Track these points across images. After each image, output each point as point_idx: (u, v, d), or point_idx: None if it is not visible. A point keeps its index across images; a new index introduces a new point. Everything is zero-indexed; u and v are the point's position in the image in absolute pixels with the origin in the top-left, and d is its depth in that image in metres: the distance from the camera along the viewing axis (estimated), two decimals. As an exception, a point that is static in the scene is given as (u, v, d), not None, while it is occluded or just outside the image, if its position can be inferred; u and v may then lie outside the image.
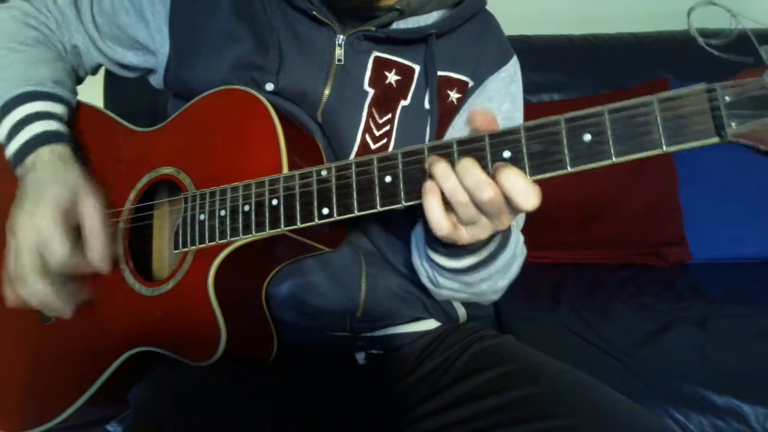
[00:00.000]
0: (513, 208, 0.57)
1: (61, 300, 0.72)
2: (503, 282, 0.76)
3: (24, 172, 0.75)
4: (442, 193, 0.57)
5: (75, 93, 0.88)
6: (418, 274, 0.80)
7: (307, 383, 0.81)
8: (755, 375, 1.14)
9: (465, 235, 0.60)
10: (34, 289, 0.70)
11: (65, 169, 0.75)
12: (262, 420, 0.69)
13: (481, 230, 0.60)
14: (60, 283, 0.71)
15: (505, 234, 0.69)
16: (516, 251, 0.74)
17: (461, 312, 0.90)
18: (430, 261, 0.73)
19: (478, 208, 0.57)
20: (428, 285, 0.80)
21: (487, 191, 0.55)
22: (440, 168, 0.57)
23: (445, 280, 0.74)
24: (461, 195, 0.56)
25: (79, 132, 0.86)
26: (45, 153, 0.76)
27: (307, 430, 0.76)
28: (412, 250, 0.80)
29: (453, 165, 0.57)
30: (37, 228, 0.69)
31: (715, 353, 1.19)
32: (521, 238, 0.78)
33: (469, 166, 0.56)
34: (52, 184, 0.72)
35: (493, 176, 0.56)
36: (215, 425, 0.65)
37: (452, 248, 0.67)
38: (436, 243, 0.69)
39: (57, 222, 0.70)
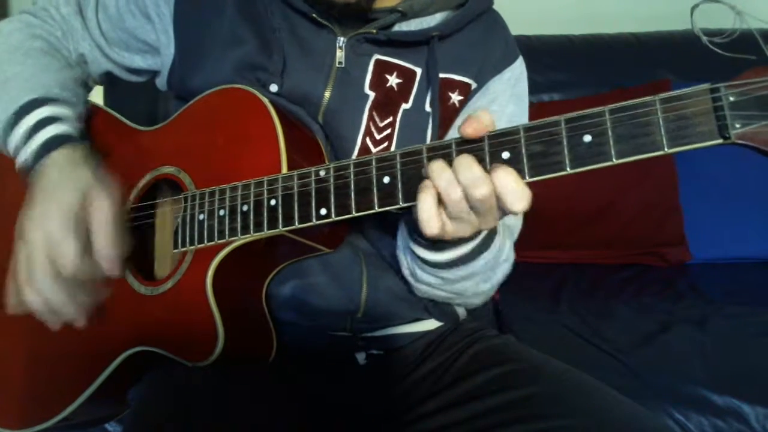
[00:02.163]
0: (502, 208, 0.57)
1: (72, 306, 0.69)
2: (485, 285, 0.76)
3: (33, 177, 0.74)
4: (438, 192, 0.57)
5: (84, 99, 0.87)
6: (400, 266, 0.79)
7: (307, 383, 0.81)
8: (755, 375, 1.14)
9: (450, 230, 0.60)
10: (44, 296, 0.68)
11: (75, 170, 0.73)
12: (262, 420, 0.69)
13: (467, 226, 0.60)
14: (72, 289, 0.69)
15: (489, 234, 0.69)
16: (501, 255, 0.74)
17: (461, 311, 0.90)
18: (412, 253, 0.73)
19: (470, 205, 0.57)
20: (408, 278, 0.79)
21: (481, 188, 0.55)
22: (435, 165, 0.57)
23: (424, 273, 0.74)
24: (455, 191, 0.56)
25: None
26: (55, 157, 0.74)
27: (307, 430, 0.76)
28: (397, 242, 0.79)
29: (451, 164, 0.57)
30: (47, 232, 0.67)
31: (715, 353, 1.19)
32: (509, 243, 0.78)
33: (466, 162, 0.56)
34: (61, 187, 0.70)
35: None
36: (215, 425, 0.65)
37: (434, 241, 0.67)
38: (419, 235, 0.68)
39: (66, 225, 0.67)
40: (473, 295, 0.79)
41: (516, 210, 0.55)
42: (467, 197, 0.56)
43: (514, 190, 0.54)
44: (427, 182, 0.58)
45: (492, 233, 0.69)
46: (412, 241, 0.71)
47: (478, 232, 0.66)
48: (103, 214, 0.69)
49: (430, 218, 0.57)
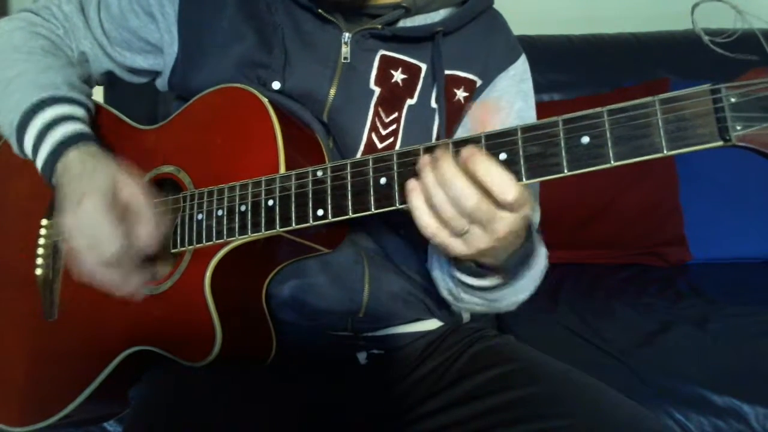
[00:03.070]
0: (499, 206, 0.55)
1: (131, 283, 0.70)
2: (524, 295, 0.75)
3: (57, 179, 0.74)
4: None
5: (90, 97, 0.86)
6: (437, 287, 0.80)
7: (307, 383, 0.81)
8: (755, 375, 1.14)
9: (460, 247, 0.58)
10: (105, 281, 0.69)
11: (97, 163, 0.73)
12: (262, 420, 0.68)
13: (478, 241, 0.58)
14: (127, 266, 0.69)
15: (529, 251, 0.68)
16: (541, 266, 0.73)
17: (465, 314, 0.90)
18: (454, 278, 0.72)
19: (458, 210, 0.56)
20: (448, 298, 0.79)
21: (471, 199, 0.54)
22: (429, 179, 0.56)
23: (468, 296, 0.74)
24: (448, 209, 0.55)
25: None
26: (73, 155, 0.74)
27: (307, 429, 0.76)
28: (432, 262, 0.79)
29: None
30: (86, 229, 0.68)
31: (715, 353, 1.19)
32: (544, 250, 0.76)
33: (450, 177, 0.55)
34: (89, 178, 0.70)
35: (466, 168, 0.55)
36: (215, 425, 0.65)
37: (477, 267, 0.67)
38: (461, 261, 0.67)
39: (103, 217, 0.67)
40: (511, 305, 0.78)
41: (507, 198, 0.54)
42: (459, 211, 0.55)
43: (499, 180, 0.54)
44: (414, 183, 0.57)
45: (531, 249, 0.68)
46: (455, 269, 0.70)
47: (517, 251, 0.65)
48: (137, 196, 0.70)
49: (426, 222, 0.57)
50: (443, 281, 0.78)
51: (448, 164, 0.55)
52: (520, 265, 0.67)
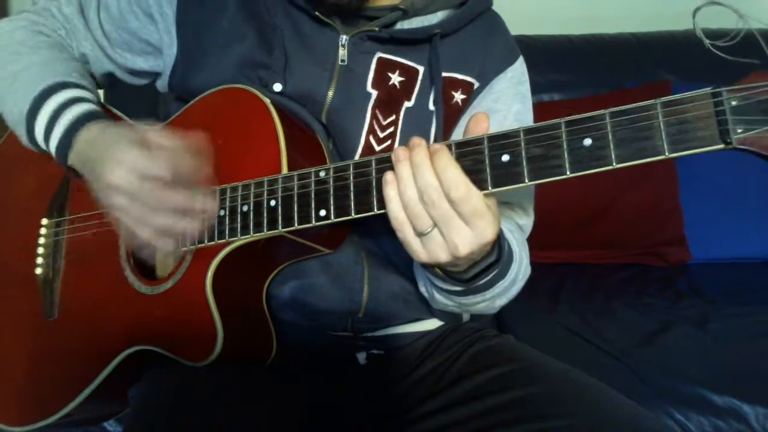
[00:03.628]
0: (450, 202, 0.56)
1: (197, 206, 0.66)
2: (501, 301, 0.76)
3: (78, 154, 0.72)
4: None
5: (96, 89, 0.86)
6: (418, 284, 0.81)
7: (307, 383, 0.81)
8: (755, 375, 1.13)
9: (421, 251, 0.59)
10: (176, 204, 0.65)
11: (119, 126, 0.71)
12: (262, 420, 0.69)
13: (437, 248, 0.58)
14: (184, 194, 0.65)
15: (505, 264, 0.69)
16: (517, 276, 0.73)
17: (465, 315, 0.90)
18: (427, 279, 0.73)
19: (430, 217, 0.57)
20: (425, 295, 0.80)
21: (434, 192, 0.55)
22: (405, 172, 0.57)
23: (439, 296, 0.74)
24: (416, 204, 0.57)
25: None
26: (91, 129, 0.72)
27: (307, 429, 0.76)
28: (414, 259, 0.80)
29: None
30: (125, 163, 0.63)
31: (715, 353, 1.20)
32: (525, 260, 0.77)
33: (420, 165, 0.56)
34: (116, 139, 0.66)
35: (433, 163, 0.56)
36: (215, 425, 0.65)
37: (447, 272, 0.67)
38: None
39: (138, 148, 0.63)
40: (488, 310, 0.79)
41: (456, 194, 0.55)
42: (422, 199, 0.56)
43: (455, 181, 0.55)
44: (391, 176, 0.58)
45: (508, 262, 0.69)
46: (427, 270, 0.70)
47: (493, 265, 0.66)
48: (166, 138, 0.66)
49: (395, 211, 0.58)
50: (421, 279, 0.79)
51: (422, 157, 0.57)
52: (493, 276, 0.68)
